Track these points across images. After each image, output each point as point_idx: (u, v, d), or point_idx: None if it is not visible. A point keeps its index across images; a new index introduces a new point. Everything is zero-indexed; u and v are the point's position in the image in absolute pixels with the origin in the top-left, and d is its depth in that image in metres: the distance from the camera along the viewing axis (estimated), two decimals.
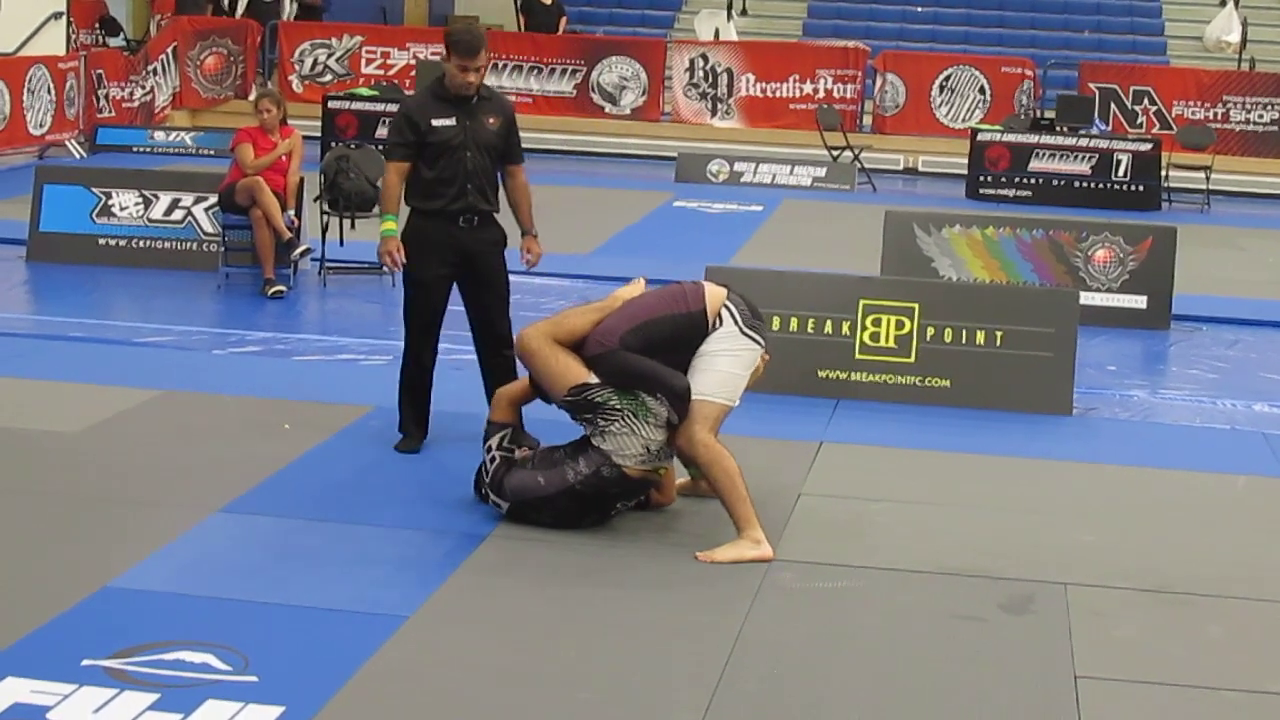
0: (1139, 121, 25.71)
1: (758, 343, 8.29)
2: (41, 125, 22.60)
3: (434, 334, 9.70)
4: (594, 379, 8.14)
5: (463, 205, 9.50)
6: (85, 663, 6.33)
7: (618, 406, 8.11)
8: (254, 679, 6.27)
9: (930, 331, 11.16)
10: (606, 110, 27.04)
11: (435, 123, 9.41)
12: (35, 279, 14.77)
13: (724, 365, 8.17)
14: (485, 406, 8.81)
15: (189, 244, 15.14)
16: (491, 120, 9.58)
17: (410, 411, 9.69)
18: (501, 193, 9.70)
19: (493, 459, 8.29)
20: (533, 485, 8.14)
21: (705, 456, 8.08)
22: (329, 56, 27.61)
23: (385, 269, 9.82)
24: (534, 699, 6.28)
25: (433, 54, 25.75)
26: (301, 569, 7.61)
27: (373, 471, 9.15)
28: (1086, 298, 12.73)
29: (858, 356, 11.19)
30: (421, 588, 7.36)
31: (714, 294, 8.27)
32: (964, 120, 25.92)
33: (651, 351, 8.16)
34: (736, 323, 8.20)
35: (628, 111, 27.05)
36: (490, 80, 26.28)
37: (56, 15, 24.53)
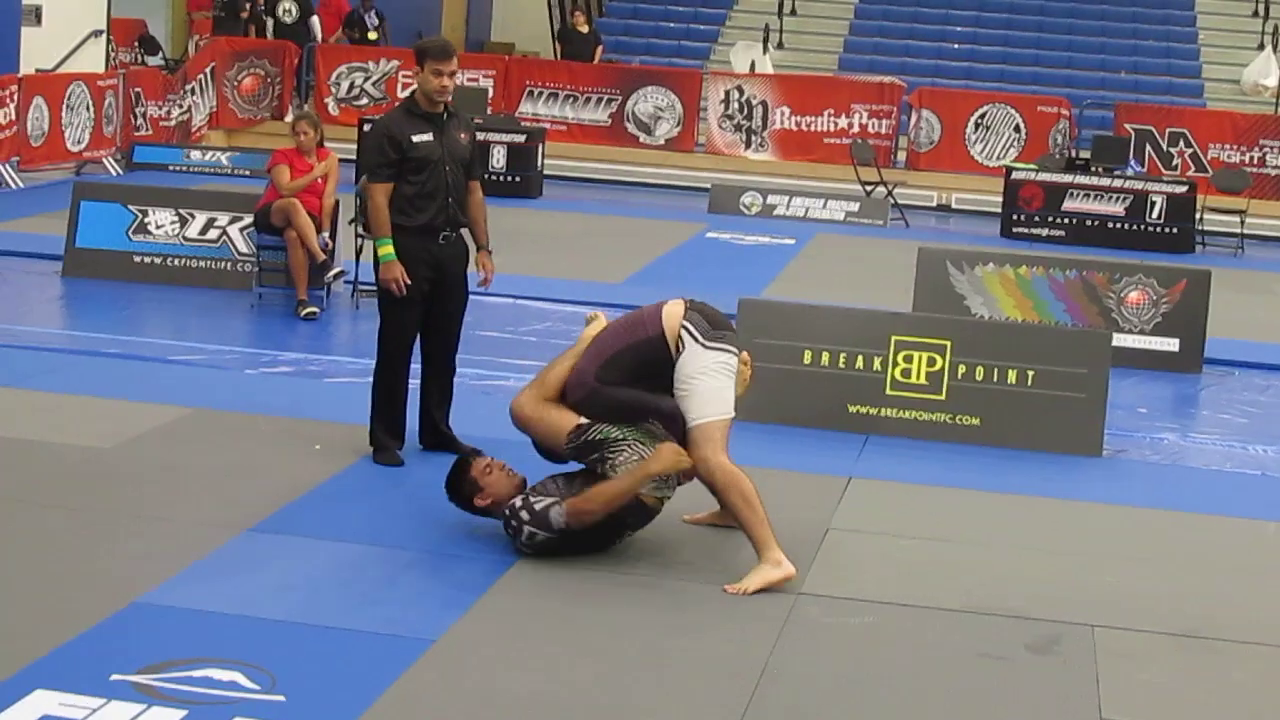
0: (1174, 163, 25.68)
1: (728, 350, 8.24)
2: (79, 142, 22.70)
3: (412, 350, 9.83)
4: (585, 420, 8.17)
5: (444, 219, 9.66)
6: (114, 677, 6.36)
7: (619, 437, 8.13)
8: (281, 698, 6.29)
9: (961, 369, 11.15)
10: (641, 140, 27.07)
11: (415, 138, 9.55)
12: (71, 294, 14.84)
13: (703, 385, 8.13)
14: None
15: (224, 263, 15.20)
16: (463, 135, 9.79)
17: (390, 425, 9.79)
18: None
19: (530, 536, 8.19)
20: (555, 521, 8.11)
21: (722, 480, 8.08)
22: (365, 80, 27.71)
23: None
24: None
25: (469, 80, 25.84)
26: (330, 590, 7.64)
27: (402, 494, 9.17)
28: (1118, 339, 12.71)
29: (888, 392, 11.19)
30: (448, 612, 7.37)
31: (670, 314, 8.23)
32: (998, 158, 25.90)
33: (629, 381, 8.21)
34: (698, 341, 8.16)
35: (662, 142, 27.09)
36: (525, 107, 26.78)
37: (96, 33, 24.65)
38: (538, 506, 8.05)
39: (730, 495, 8.09)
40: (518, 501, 8.14)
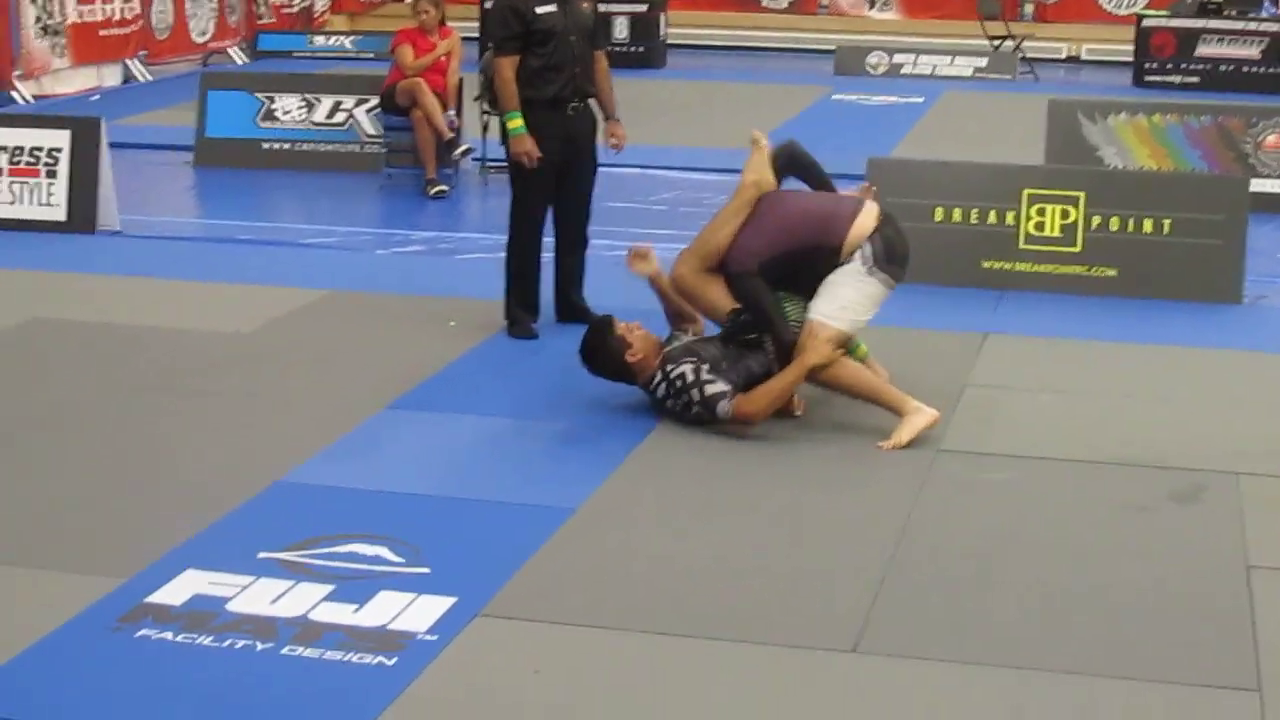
0: None
1: (885, 284, 8.19)
2: (204, 33, 22.84)
3: (544, 223, 9.86)
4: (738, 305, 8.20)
5: (572, 90, 9.65)
6: (261, 555, 6.44)
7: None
8: (426, 570, 6.35)
9: (1096, 220, 11.02)
10: (764, 4, 26.83)
11: (539, 10, 9.53)
12: (202, 184, 14.97)
13: (847, 295, 8.11)
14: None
15: (351, 146, 15.27)
16: (585, 5, 9.76)
17: (524, 298, 9.84)
18: None
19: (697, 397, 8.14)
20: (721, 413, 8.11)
21: (830, 371, 8.06)
22: None
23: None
24: (698, 589, 6.30)
25: None
26: (470, 463, 7.71)
27: (538, 367, 9.21)
28: (1256, 184, 12.45)
29: (1022, 246, 11.08)
30: (588, 481, 7.40)
31: (860, 229, 8.16)
32: (1128, 6, 25.48)
33: (786, 270, 8.17)
34: (866, 262, 8.10)
35: (785, 5, 26.86)
36: None
37: None
38: (709, 390, 8.02)
39: (841, 379, 8.07)
40: (690, 375, 8.08)
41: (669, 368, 8.15)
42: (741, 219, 8.28)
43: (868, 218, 8.22)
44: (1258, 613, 6.18)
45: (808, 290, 8.19)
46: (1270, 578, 6.51)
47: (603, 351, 8.37)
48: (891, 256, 8.19)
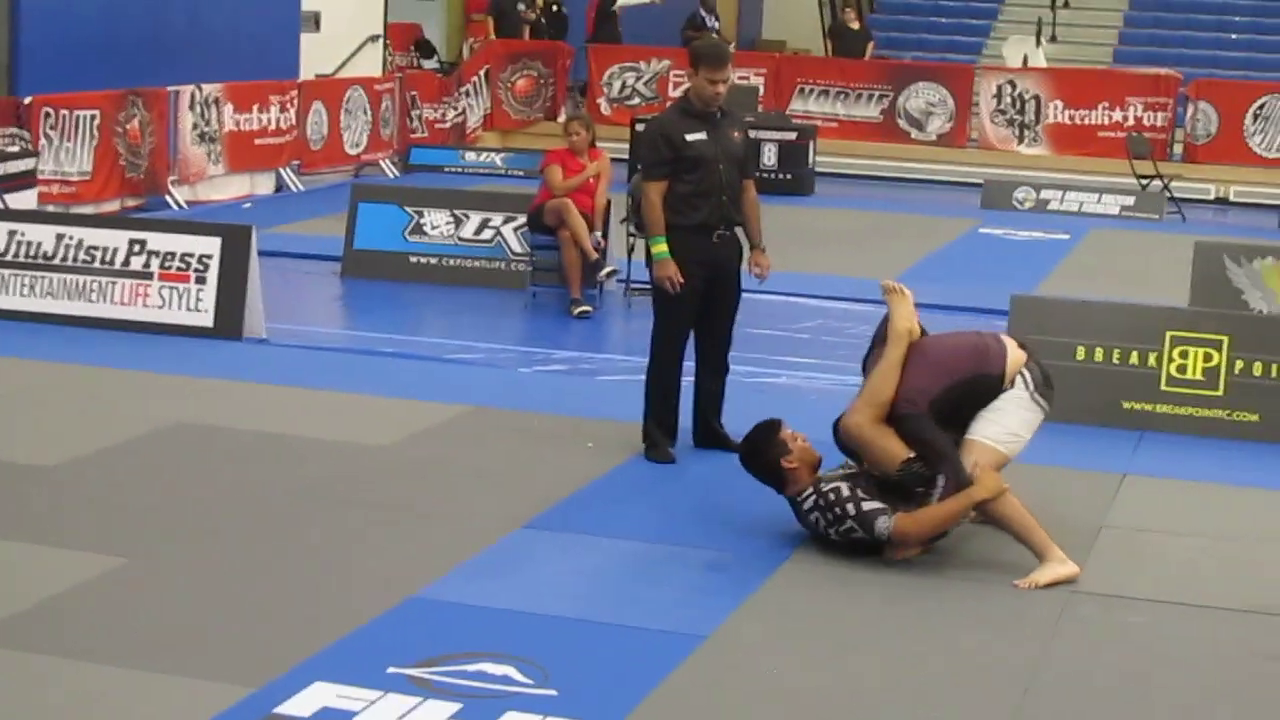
0: None
1: (1042, 410, 8.38)
2: (357, 145, 23.16)
3: (685, 347, 9.89)
4: (913, 454, 8.16)
5: (719, 218, 9.71)
6: (390, 670, 6.49)
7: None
8: (554, 693, 6.37)
9: (1240, 365, 10.92)
10: (913, 136, 26.86)
11: (689, 138, 9.61)
12: (349, 294, 15.16)
13: (1009, 422, 8.27)
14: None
15: (498, 263, 15.41)
16: (736, 134, 9.83)
17: (664, 422, 9.85)
18: None
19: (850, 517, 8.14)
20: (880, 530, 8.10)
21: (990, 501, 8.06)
22: (637, 80, 27.87)
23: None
24: None
25: (740, 78, 25.84)
26: (603, 585, 7.73)
27: (675, 491, 9.23)
28: None
29: (1164, 388, 11.00)
30: (721, 607, 7.41)
31: (1015, 359, 8.35)
32: (1278, 149, 25.29)
33: (952, 405, 8.23)
34: (1028, 387, 8.30)
35: (934, 137, 26.86)
36: (796, 105, 26.77)
37: (374, 38, 25.12)
38: (865, 507, 8.03)
39: (1000, 508, 8.04)
40: (845, 490, 8.09)
41: (823, 485, 8.17)
42: (900, 367, 8.32)
43: (1017, 352, 8.41)
44: None
45: (969, 424, 8.30)
46: None
47: (762, 449, 8.41)
48: (1048, 380, 8.41)
